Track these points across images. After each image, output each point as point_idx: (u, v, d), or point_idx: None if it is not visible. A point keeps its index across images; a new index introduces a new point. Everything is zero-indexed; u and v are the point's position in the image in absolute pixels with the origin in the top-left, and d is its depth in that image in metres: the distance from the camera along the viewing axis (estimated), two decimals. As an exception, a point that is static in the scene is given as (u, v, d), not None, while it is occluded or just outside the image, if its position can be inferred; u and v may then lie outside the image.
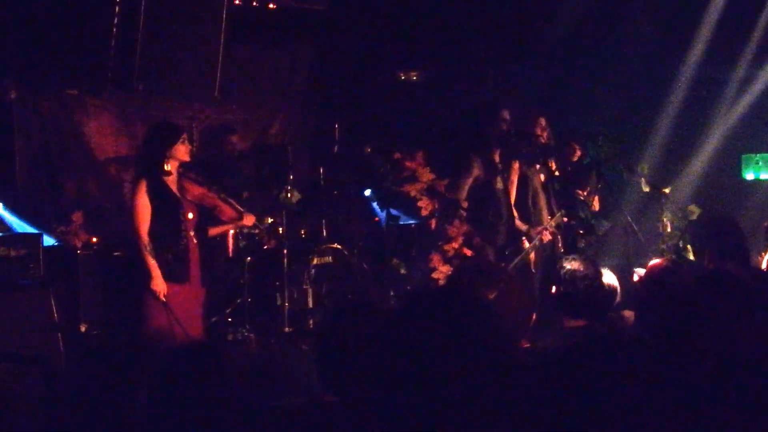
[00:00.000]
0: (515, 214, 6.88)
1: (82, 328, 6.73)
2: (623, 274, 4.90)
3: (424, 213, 6.43)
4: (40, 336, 6.01)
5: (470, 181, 6.57)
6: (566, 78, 9.45)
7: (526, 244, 6.70)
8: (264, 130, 9.50)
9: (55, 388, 5.17)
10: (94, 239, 7.27)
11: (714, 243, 5.19)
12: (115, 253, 7.17)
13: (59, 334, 6.09)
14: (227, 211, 6.22)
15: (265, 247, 7.69)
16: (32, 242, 6.46)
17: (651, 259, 5.28)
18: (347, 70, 9.74)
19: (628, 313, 4.23)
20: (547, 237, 6.69)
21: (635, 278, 4.96)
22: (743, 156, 9.63)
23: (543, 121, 7.18)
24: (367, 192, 8.68)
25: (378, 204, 7.97)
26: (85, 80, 7.83)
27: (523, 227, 6.84)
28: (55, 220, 7.42)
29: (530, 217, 7.03)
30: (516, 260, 6.46)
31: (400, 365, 2.10)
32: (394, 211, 6.89)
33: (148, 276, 5.69)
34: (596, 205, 7.37)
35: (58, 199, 8.04)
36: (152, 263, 5.70)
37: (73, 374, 5.77)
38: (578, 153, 7.54)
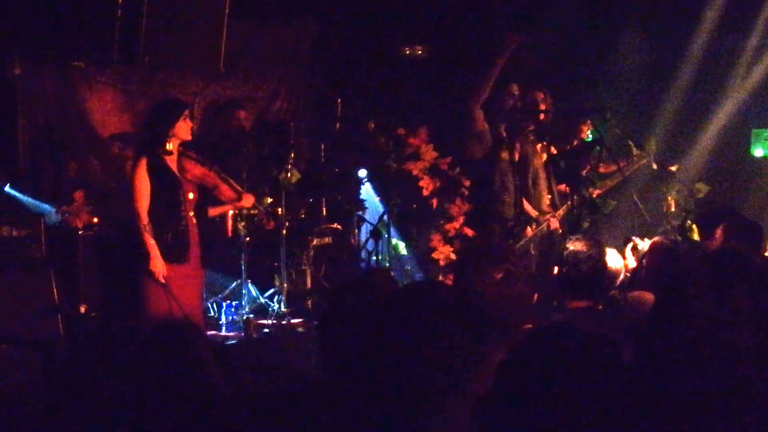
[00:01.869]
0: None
1: (82, 310, 6.71)
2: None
3: (425, 193, 6.40)
4: (40, 318, 6.00)
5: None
6: (571, 50, 9.30)
7: (530, 231, 6.64)
8: (265, 106, 9.43)
9: (54, 373, 5.15)
10: (95, 219, 7.23)
11: (727, 221, 5.12)
12: (116, 234, 7.12)
13: (59, 317, 6.08)
14: (226, 192, 6.18)
15: (265, 227, 7.65)
16: (34, 222, 6.45)
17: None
18: (351, 45, 9.65)
19: (648, 296, 4.16)
20: (554, 224, 6.62)
21: (629, 247, 4.91)
22: (753, 130, 9.32)
23: (541, 95, 7.06)
24: (362, 172, 8.59)
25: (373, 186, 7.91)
26: (91, 53, 7.78)
27: (533, 213, 6.77)
28: (57, 200, 7.39)
29: (530, 196, 6.96)
30: (521, 243, 6.40)
31: (404, 346, 2.12)
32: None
33: (146, 256, 5.67)
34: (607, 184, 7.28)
35: (60, 178, 8.00)
36: (151, 243, 5.67)
37: (73, 357, 5.76)
38: (585, 130, 7.43)
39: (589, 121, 7.34)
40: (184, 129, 5.87)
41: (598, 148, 6.91)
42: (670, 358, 2.38)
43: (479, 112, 6.49)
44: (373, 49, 9.64)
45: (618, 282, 4.18)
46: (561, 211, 6.73)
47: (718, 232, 5.12)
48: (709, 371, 2.35)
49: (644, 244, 4.76)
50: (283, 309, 7.46)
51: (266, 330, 7.31)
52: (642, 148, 7.27)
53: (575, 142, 7.41)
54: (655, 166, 7.23)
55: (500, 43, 6.47)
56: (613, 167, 7.09)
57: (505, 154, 6.70)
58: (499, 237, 6.34)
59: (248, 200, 6.40)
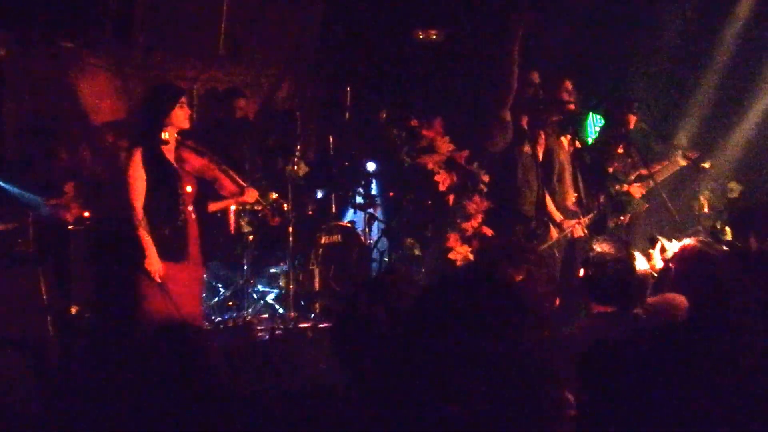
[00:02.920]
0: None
1: (73, 310, 6.72)
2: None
3: (441, 188, 6.39)
4: (29, 318, 6.01)
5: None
6: (595, 37, 9.27)
7: (554, 233, 6.63)
8: (271, 94, 9.44)
9: (45, 375, 5.18)
10: (87, 213, 7.24)
11: (762, 223, 5.12)
12: (110, 229, 7.14)
13: (48, 317, 6.09)
14: (228, 185, 6.16)
15: (270, 224, 7.63)
16: (21, 215, 6.45)
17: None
18: (361, 29, 9.65)
19: (680, 299, 4.17)
20: (578, 233, 6.60)
21: (656, 248, 4.90)
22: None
23: (569, 85, 7.06)
24: (371, 166, 8.59)
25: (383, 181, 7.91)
26: (82, 32, 7.79)
27: (557, 216, 6.75)
28: (47, 192, 7.40)
29: (554, 194, 6.94)
30: (544, 246, 6.39)
31: (424, 349, 2.18)
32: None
33: (142, 254, 5.64)
34: (638, 189, 7.26)
35: (50, 168, 8.02)
36: (147, 240, 5.65)
37: (65, 360, 5.79)
38: (632, 120, 7.36)
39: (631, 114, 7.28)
40: (181, 116, 5.86)
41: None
42: (707, 367, 2.39)
43: (507, 103, 6.49)
44: (384, 32, 9.63)
45: (648, 287, 4.18)
46: (587, 219, 6.71)
47: (754, 234, 5.12)
48: (751, 383, 2.37)
49: (672, 246, 4.75)
50: (289, 312, 7.46)
51: (271, 334, 7.27)
52: (669, 143, 7.26)
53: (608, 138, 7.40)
54: (684, 163, 7.21)
55: (514, 23, 6.45)
56: (658, 166, 7.11)
57: (527, 148, 6.69)
58: (520, 237, 6.33)
59: (251, 195, 6.34)
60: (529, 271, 3.67)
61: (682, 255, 4.52)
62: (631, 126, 7.40)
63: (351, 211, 8.65)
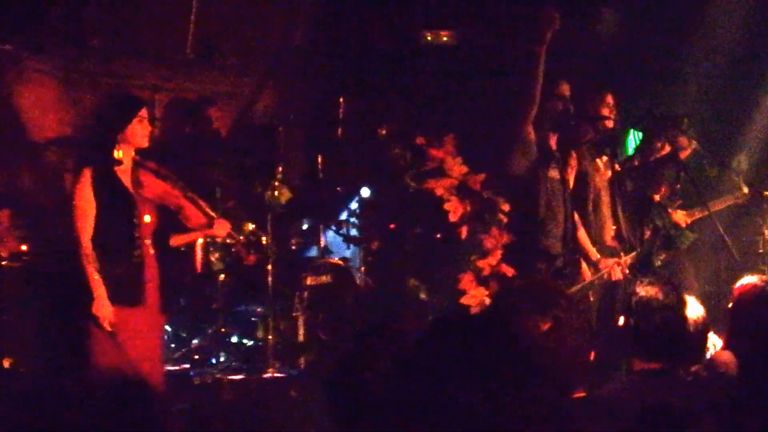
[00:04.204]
0: (577, 219, 6.79)
1: (6, 363, 6.70)
2: (713, 302, 4.84)
3: (452, 218, 6.37)
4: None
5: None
6: (635, 42, 9.30)
7: (587, 273, 6.61)
8: (248, 105, 9.47)
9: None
10: (24, 247, 7.24)
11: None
12: (51, 266, 7.12)
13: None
14: (194, 216, 6.16)
15: (245, 262, 7.61)
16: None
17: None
18: (357, 28, 9.69)
19: (727, 356, 4.15)
20: (617, 275, 6.58)
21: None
22: None
23: (611, 99, 7.06)
24: (365, 192, 8.58)
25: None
26: (23, 33, 7.81)
27: (593, 255, 6.74)
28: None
29: (590, 226, 6.92)
30: (574, 289, 6.37)
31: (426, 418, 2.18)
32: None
33: (89, 297, 5.62)
34: (684, 218, 7.26)
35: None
36: (96, 280, 5.64)
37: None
38: (666, 146, 7.38)
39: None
40: (139, 133, 5.89)
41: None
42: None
43: (529, 118, 6.50)
44: (385, 33, 9.67)
45: (707, 339, 4.16)
46: (628, 258, 6.69)
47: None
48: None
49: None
50: (268, 367, 7.42)
51: (246, 394, 7.21)
52: (726, 166, 7.26)
53: (652, 156, 7.39)
54: (746, 191, 7.21)
55: (541, 23, 6.45)
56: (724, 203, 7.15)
57: (553, 172, 6.69)
58: (545, 278, 6.31)
59: (222, 227, 6.34)
60: (557, 319, 3.63)
61: (742, 296, 4.50)
62: (688, 151, 7.40)
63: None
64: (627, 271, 6.58)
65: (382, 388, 2.70)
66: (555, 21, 6.28)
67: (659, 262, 6.62)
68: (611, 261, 6.67)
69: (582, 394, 3.90)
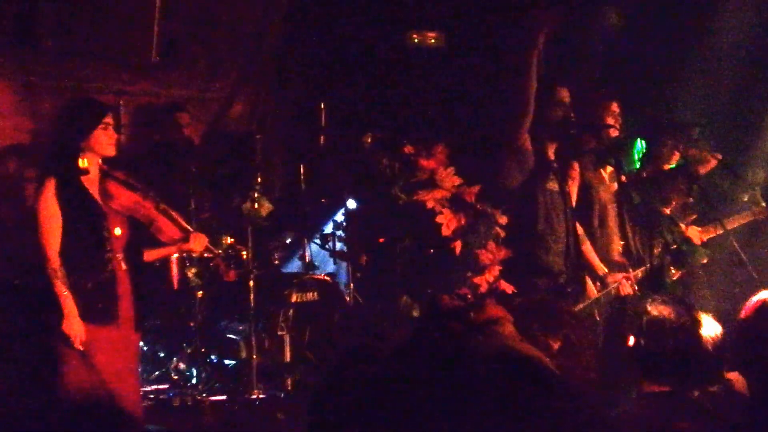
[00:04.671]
0: (579, 231, 6.81)
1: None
2: (729, 321, 4.86)
3: (445, 232, 6.39)
4: None
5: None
6: (642, 45, 9.34)
7: (593, 290, 6.64)
8: (221, 112, 9.48)
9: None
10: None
11: None
12: (16, 282, 7.12)
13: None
14: (167, 230, 6.15)
15: (224, 278, 7.62)
16: None
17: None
18: (339, 29, 9.70)
19: (734, 376, 4.20)
20: (627, 290, 6.62)
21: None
22: None
23: (616, 107, 7.09)
24: (351, 204, 8.61)
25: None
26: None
27: (600, 270, 6.77)
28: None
29: (596, 242, 6.95)
30: (581, 305, 6.40)
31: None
32: None
33: (58, 314, 5.62)
34: (698, 234, 7.30)
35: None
36: (65, 296, 5.63)
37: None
38: (675, 156, 7.43)
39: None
40: (104, 140, 5.88)
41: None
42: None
43: (523, 126, 6.53)
44: (370, 34, 9.69)
45: (722, 362, 4.18)
46: (638, 272, 6.72)
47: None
48: None
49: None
50: (252, 389, 7.44)
51: (228, 416, 7.24)
52: (741, 178, 7.31)
53: (660, 168, 7.43)
54: (765, 205, 7.26)
55: (533, 23, 6.48)
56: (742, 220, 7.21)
57: (551, 184, 6.71)
58: (547, 296, 6.33)
59: (199, 241, 6.33)
60: (567, 338, 3.67)
61: (757, 313, 4.53)
62: (711, 164, 7.42)
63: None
64: (636, 287, 6.62)
65: (359, 414, 2.72)
66: (546, 22, 6.31)
67: (671, 279, 6.66)
68: (620, 275, 6.71)
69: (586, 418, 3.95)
